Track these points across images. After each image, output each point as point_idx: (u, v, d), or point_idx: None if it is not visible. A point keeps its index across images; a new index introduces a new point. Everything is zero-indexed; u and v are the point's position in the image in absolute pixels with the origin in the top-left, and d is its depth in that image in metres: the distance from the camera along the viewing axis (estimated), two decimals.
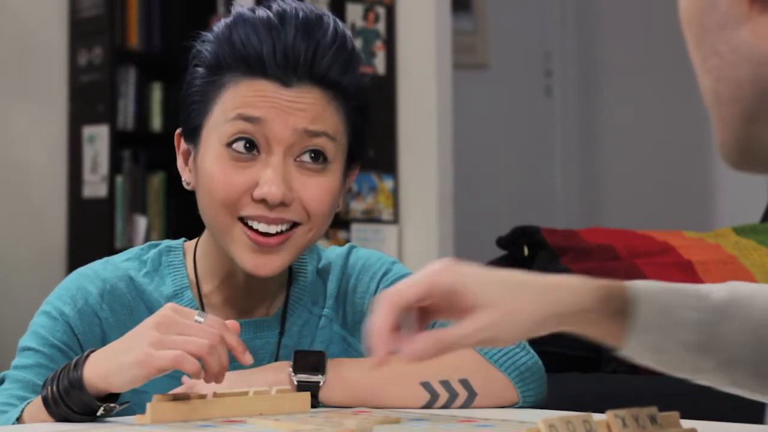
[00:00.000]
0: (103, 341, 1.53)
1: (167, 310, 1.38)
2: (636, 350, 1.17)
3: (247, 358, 1.39)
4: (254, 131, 1.52)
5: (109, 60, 4.73)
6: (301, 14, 1.54)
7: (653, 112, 5.35)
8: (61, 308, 1.57)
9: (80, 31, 4.80)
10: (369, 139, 1.64)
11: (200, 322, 1.37)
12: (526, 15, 5.63)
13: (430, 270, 1.16)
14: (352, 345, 1.65)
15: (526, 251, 2.71)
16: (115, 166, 4.75)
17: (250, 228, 1.52)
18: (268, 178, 1.51)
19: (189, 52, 1.61)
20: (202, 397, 1.37)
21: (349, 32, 1.58)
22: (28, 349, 1.56)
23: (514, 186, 5.52)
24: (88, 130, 4.75)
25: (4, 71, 4.73)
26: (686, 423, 1.16)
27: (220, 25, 1.58)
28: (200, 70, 1.57)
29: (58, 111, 4.81)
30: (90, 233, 4.73)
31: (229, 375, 1.51)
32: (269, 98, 1.52)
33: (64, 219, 4.79)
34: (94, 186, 4.73)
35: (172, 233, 4.84)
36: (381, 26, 4.32)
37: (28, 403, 1.45)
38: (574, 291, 1.16)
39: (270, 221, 1.52)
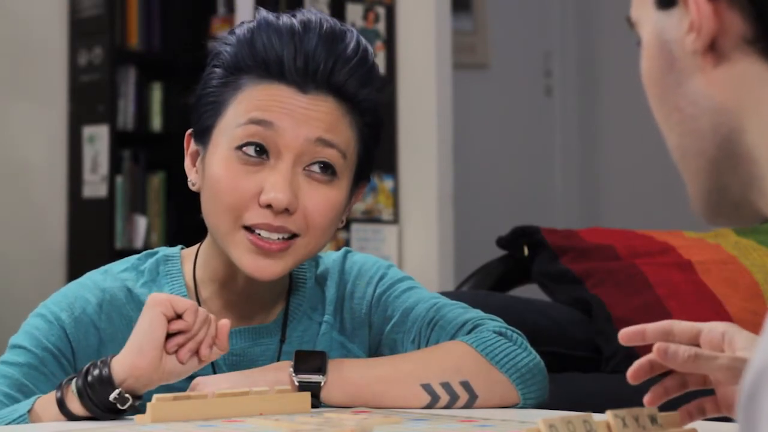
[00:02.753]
0: (99, 352, 1.53)
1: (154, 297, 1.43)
2: None
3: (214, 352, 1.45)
4: (265, 136, 1.51)
5: (109, 60, 4.73)
6: (325, 25, 1.54)
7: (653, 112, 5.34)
8: (58, 313, 1.56)
9: (80, 31, 4.80)
10: (378, 159, 1.64)
11: None
12: (526, 15, 5.63)
13: (714, 322, 1.27)
14: (351, 351, 1.64)
15: (526, 251, 2.71)
16: (115, 166, 4.75)
17: (253, 233, 1.52)
18: (274, 183, 1.50)
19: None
20: (203, 397, 1.37)
21: (371, 49, 1.58)
22: (20, 347, 1.55)
23: (514, 186, 5.51)
24: (88, 130, 4.76)
25: (4, 71, 4.73)
26: None
27: (242, 28, 1.57)
28: (218, 70, 1.56)
29: (58, 111, 4.81)
30: (90, 233, 4.73)
31: (230, 375, 1.51)
32: (284, 103, 1.51)
33: (64, 219, 4.79)
34: (94, 186, 4.73)
35: (172, 233, 4.84)
36: (381, 26, 4.32)
37: (38, 398, 1.45)
38: None
39: (273, 229, 1.51)
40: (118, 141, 4.77)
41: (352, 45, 1.54)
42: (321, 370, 1.50)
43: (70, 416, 1.40)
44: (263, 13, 1.57)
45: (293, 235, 1.53)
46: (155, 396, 1.35)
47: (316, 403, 1.48)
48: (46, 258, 4.74)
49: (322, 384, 1.50)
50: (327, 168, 1.53)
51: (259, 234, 1.51)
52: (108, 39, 4.74)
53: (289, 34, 1.52)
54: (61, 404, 1.40)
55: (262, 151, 1.51)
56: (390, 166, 4.29)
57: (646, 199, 5.35)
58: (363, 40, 1.57)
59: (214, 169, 1.53)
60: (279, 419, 1.35)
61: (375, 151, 1.61)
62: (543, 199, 5.58)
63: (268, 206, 1.50)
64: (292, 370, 1.50)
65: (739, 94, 0.85)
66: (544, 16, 5.66)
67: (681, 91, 0.88)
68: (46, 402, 1.43)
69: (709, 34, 0.84)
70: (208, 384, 1.46)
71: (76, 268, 4.53)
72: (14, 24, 4.75)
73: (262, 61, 1.52)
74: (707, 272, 2.55)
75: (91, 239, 4.71)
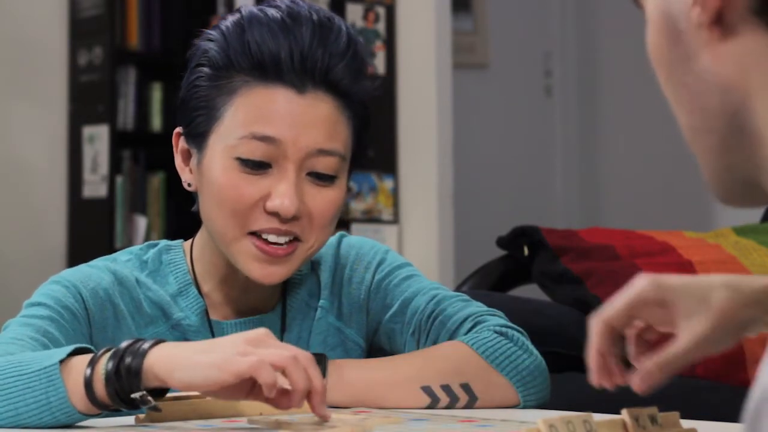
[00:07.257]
0: (113, 327, 1.52)
1: (261, 332, 1.31)
2: None
3: (323, 412, 1.30)
4: (267, 149, 1.49)
5: (109, 60, 4.73)
6: (314, 16, 1.51)
7: (653, 112, 5.34)
8: (74, 282, 1.53)
9: (80, 31, 4.80)
10: (369, 140, 1.64)
11: None
12: (526, 15, 5.63)
13: (634, 287, 1.16)
14: (348, 336, 1.64)
15: (526, 251, 2.71)
16: (115, 166, 4.75)
17: (260, 238, 1.51)
18: (282, 191, 1.49)
19: (190, 51, 1.58)
20: (202, 397, 1.37)
21: (358, 36, 1.56)
22: (39, 304, 1.49)
23: (514, 186, 5.51)
24: (88, 130, 4.75)
25: (4, 71, 4.73)
26: (686, 423, 1.16)
27: (227, 23, 1.53)
28: (205, 70, 1.53)
29: (58, 111, 4.81)
30: (90, 233, 4.73)
31: None
32: (284, 110, 1.49)
33: (64, 219, 4.79)
34: (94, 186, 4.73)
35: (171, 233, 4.84)
36: (381, 26, 4.31)
37: (77, 351, 1.33)
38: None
39: (281, 233, 1.51)
40: (118, 141, 4.76)
41: (343, 37, 1.52)
42: (321, 373, 1.50)
43: (95, 401, 1.30)
44: (248, 6, 1.54)
45: (296, 238, 1.53)
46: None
47: None
48: (46, 258, 4.74)
49: None
50: (328, 177, 1.53)
51: (266, 239, 1.51)
52: (108, 39, 4.74)
53: (282, 29, 1.49)
54: (88, 386, 1.30)
55: (265, 164, 1.51)
56: (390, 166, 4.28)
57: (646, 199, 5.35)
58: (349, 28, 1.55)
59: (215, 176, 1.52)
60: (279, 419, 1.35)
61: (366, 135, 1.59)
62: (543, 199, 5.58)
63: (275, 213, 1.50)
64: None
65: (745, 70, 0.81)
66: (544, 16, 5.66)
67: (687, 67, 0.84)
68: (80, 364, 1.31)
69: (714, 6, 0.81)
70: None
71: None
72: (14, 24, 4.75)
73: (258, 62, 1.49)
74: (707, 272, 2.55)
75: (91, 239, 4.71)
